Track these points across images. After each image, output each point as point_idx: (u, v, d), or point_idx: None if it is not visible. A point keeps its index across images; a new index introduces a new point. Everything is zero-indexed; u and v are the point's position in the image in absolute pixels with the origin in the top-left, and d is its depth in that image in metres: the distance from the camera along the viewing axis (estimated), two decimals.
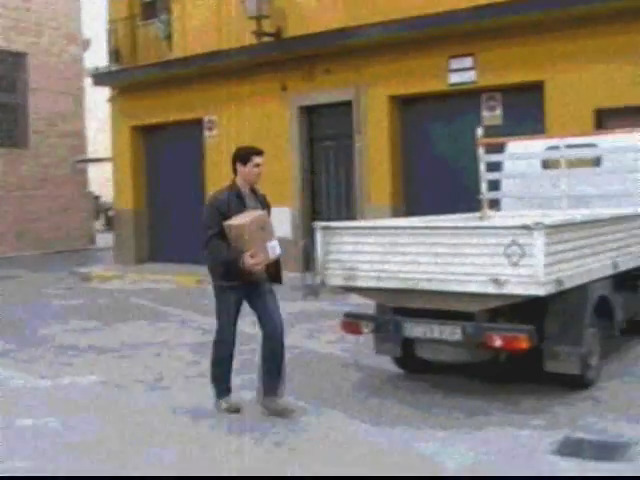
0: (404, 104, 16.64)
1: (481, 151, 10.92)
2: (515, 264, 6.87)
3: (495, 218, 10.56)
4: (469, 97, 15.51)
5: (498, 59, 14.85)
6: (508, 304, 7.34)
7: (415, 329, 7.82)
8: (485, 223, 9.55)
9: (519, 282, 6.89)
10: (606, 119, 13.82)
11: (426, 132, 16.32)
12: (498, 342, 7.29)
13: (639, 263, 9.33)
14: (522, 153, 10.93)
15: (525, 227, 6.84)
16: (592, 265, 7.88)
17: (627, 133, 10.48)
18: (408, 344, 8.33)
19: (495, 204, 11.26)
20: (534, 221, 6.88)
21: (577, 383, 7.89)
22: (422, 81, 15.70)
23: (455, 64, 15.39)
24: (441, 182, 15.85)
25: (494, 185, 11.21)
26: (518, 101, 14.99)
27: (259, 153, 7.51)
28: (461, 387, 8.26)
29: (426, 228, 7.89)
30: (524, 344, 7.20)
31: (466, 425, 7.00)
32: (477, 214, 10.80)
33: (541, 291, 6.86)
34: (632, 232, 9.09)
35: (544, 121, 14.30)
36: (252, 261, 7.06)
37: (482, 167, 10.95)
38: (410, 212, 15.27)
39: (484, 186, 10.98)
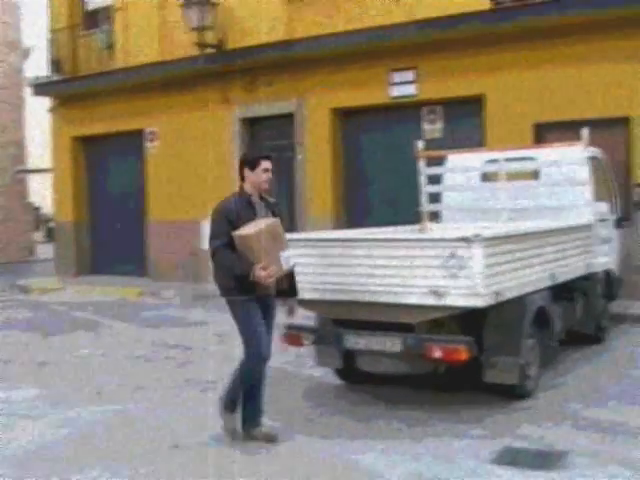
0: (345, 116, 16.72)
1: (421, 164, 11.02)
2: (454, 276, 6.93)
3: (435, 230, 10.65)
4: (410, 110, 15.63)
5: (439, 73, 15.01)
6: (448, 315, 7.41)
7: (356, 341, 7.84)
8: (424, 235, 9.61)
9: (458, 294, 6.95)
10: (545, 133, 14.03)
11: (367, 145, 16.41)
12: (438, 353, 7.32)
13: (576, 275, 9.49)
14: (462, 166, 11.06)
15: (464, 239, 6.90)
16: (530, 277, 8.00)
17: (565, 147, 10.65)
18: (349, 356, 8.37)
19: (436, 216, 11.36)
20: (473, 233, 6.95)
21: (516, 393, 7.97)
22: (363, 94, 15.81)
23: (396, 77, 15.53)
24: (383, 194, 15.97)
25: (435, 197, 11.32)
26: (459, 114, 15.17)
27: (267, 157, 7.02)
28: (402, 398, 8.28)
29: (366, 240, 7.90)
30: (463, 355, 7.25)
31: (407, 436, 7.02)
32: (417, 226, 10.88)
33: (480, 302, 6.93)
34: (570, 244, 9.24)
35: (484, 134, 14.47)
36: (264, 273, 6.58)
37: (422, 180, 11.05)
38: (352, 224, 15.32)
39: (424, 198, 11.09)
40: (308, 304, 8.08)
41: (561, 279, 8.88)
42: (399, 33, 14.88)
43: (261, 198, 7.03)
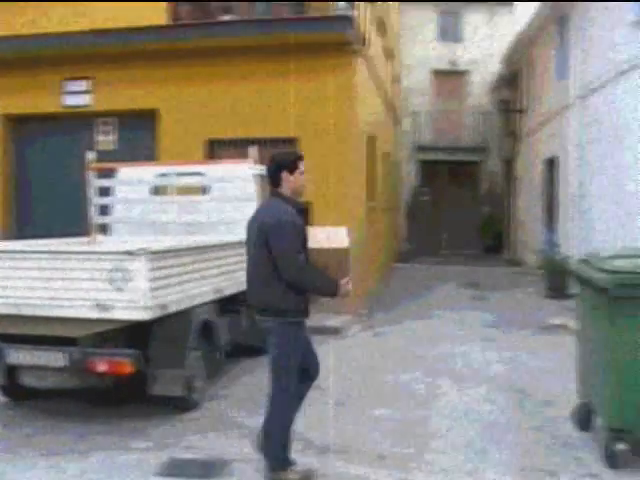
0: (18, 124, 16.15)
1: (92, 176, 10.87)
2: (119, 289, 6.95)
3: (105, 243, 10.55)
4: (84, 120, 15.41)
5: (115, 84, 14.94)
6: (114, 329, 7.38)
7: (17, 356, 7.55)
8: (89, 248, 9.47)
9: (123, 307, 7.00)
10: (218, 149, 14.39)
11: (40, 154, 15.95)
12: (103, 367, 7.27)
13: (243, 288, 9.75)
14: (133, 179, 11.04)
15: (128, 253, 6.95)
16: (196, 290, 8.17)
17: (234, 163, 10.96)
18: (13, 371, 8.08)
19: (106, 229, 11.26)
20: (138, 247, 6.99)
21: (182, 405, 8.09)
22: (36, 101, 15.37)
23: (70, 86, 15.26)
24: (55, 205, 15.58)
25: (106, 210, 11.21)
26: (133, 127, 15.17)
27: (303, 158, 6.27)
28: (70, 413, 8.17)
29: (31, 252, 7.72)
30: (128, 368, 7.25)
31: (73, 451, 6.93)
32: (86, 239, 10.72)
33: (145, 315, 7.00)
34: (236, 258, 9.47)
35: (158, 148, 14.56)
36: (350, 287, 6.02)
37: (92, 192, 10.90)
38: (22, 235, 14.81)
39: (94, 211, 10.94)
40: None
41: (227, 292, 9.14)
42: (74, 41, 14.61)
43: None
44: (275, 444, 6.10)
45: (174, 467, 6.53)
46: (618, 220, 14.80)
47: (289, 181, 6.09)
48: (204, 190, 10.98)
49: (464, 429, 7.62)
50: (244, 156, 11.00)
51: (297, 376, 6.11)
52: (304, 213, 6.21)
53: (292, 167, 6.10)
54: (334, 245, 5.98)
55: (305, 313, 6.10)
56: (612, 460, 6.41)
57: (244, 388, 9.25)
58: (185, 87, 14.57)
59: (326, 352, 11.27)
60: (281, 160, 6.15)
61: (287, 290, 5.89)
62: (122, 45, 14.51)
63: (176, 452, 6.91)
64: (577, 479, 6.26)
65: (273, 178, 6.14)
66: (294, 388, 6.11)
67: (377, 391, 9.14)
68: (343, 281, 5.97)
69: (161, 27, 14.34)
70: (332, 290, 5.97)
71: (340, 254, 5.96)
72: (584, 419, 7.39)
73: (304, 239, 5.97)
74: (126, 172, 11.14)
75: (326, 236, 6.08)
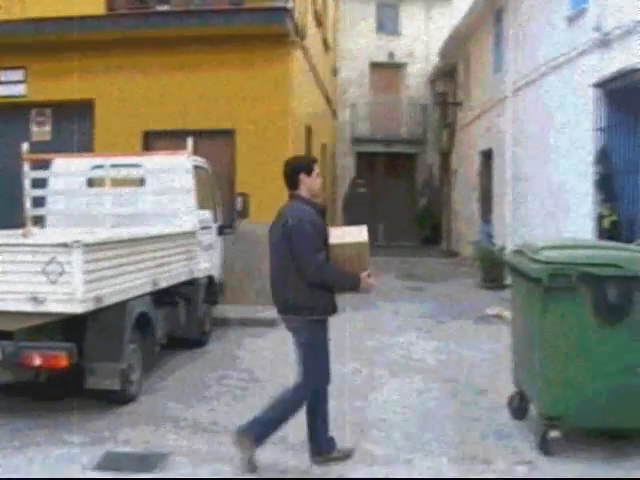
0: None
1: (26, 167, 10.71)
2: (54, 282, 6.87)
3: (39, 235, 10.39)
4: (19, 111, 15.10)
5: (50, 74, 14.67)
6: (49, 322, 7.29)
7: None
8: (24, 240, 9.34)
9: (58, 300, 6.92)
10: (154, 141, 14.26)
11: None
12: (37, 361, 7.18)
13: (179, 280, 9.73)
14: (68, 170, 10.91)
15: (63, 245, 6.87)
16: (132, 282, 8.10)
17: (170, 155, 10.90)
18: None
19: (41, 221, 11.10)
20: (72, 239, 6.92)
21: (118, 398, 8.02)
22: None
23: (4, 76, 14.97)
24: None
25: (40, 202, 11.05)
26: (69, 118, 14.92)
27: (317, 161, 6.64)
28: (4, 408, 8.03)
29: None
30: (63, 362, 7.16)
31: (8, 447, 6.81)
32: (21, 231, 10.55)
33: (80, 309, 6.93)
34: (173, 251, 9.45)
35: (94, 139, 14.39)
36: (371, 280, 6.28)
37: (27, 183, 10.75)
38: None
39: (28, 202, 10.78)
40: None
41: (163, 285, 9.09)
42: (10, 30, 14.31)
43: None
44: (271, 422, 6.29)
45: (111, 461, 6.47)
46: (550, 211, 15.01)
47: (306, 183, 6.32)
48: (140, 181, 10.90)
49: (400, 419, 7.69)
50: (180, 148, 10.94)
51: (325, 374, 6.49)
52: (324, 214, 6.40)
53: (309, 170, 6.34)
54: (355, 240, 6.27)
55: (328, 311, 6.32)
56: (546, 447, 6.53)
57: (182, 380, 9.23)
58: (122, 78, 14.38)
59: (262, 343, 11.33)
60: (298, 164, 6.43)
61: (309, 289, 6.12)
62: (58, 35, 14.24)
63: (113, 446, 6.84)
64: (512, 466, 6.36)
65: (292, 181, 6.35)
66: (326, 381, 6.53)
67: None
68: (364, 274, 6.21)
69: (97, 17, 14.11)
70: (353, 283, 6.22)
71: (361, 248, 6.26)
72: (519, 408, 7.51)
73: (325, 238, 6.17)
74: (60, 163, 11.01)
75: (348, 232, 6.43)
